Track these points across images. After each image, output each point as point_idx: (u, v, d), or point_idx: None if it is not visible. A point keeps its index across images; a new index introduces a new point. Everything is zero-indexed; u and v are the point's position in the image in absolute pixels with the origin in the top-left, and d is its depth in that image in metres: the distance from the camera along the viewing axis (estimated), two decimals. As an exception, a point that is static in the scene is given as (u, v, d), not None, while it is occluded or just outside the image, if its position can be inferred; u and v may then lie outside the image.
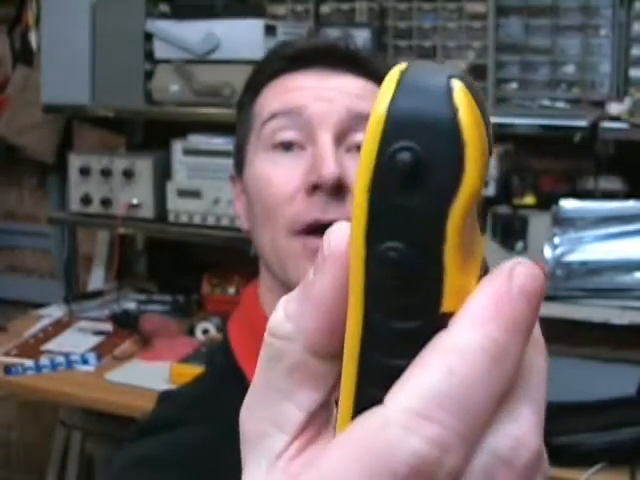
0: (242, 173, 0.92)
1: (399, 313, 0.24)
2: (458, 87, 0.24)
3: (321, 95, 0.87)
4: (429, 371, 0.23)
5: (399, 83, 0.24)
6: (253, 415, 0.27)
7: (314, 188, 0.83)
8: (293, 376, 0.27)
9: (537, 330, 0.26)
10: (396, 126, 0.23)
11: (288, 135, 0.86)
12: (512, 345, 0.23)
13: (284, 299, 0.28)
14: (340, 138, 0.85)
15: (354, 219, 0.25)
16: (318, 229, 0.83)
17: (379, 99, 0.24)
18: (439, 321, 0.24)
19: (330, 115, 0.85)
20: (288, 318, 0.27)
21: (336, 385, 0.27)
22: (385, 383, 0.24)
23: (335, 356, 0.27)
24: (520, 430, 0.23)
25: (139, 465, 0.80)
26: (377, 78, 0.90)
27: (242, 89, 0.96)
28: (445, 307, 0.24)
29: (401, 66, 0.25)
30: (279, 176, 0.85)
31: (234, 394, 0.85)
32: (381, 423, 0.22)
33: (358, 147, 0.86)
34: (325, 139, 0.84)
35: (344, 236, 0.26)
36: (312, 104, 0.86)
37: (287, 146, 0.86)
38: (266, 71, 0.92)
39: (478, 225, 0.26)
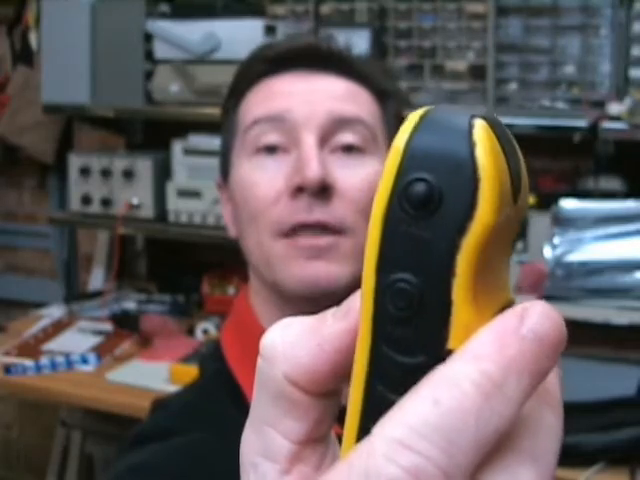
0: (228, 179, 0.92)
1: (405, 347, 0.24)
2: (479, 125, 0.24)
3: (304, 99, 0.86)
4: (416, 401, 0.22)
5: (422, 119, 0.24)
6: (247, 442, 0.27)
7: (298, 190, 0.82)
8: (278, 404, 0.26)
9: (554, 385, 0.25)
10: (413, 158, 0.24)
11: (271, 139, 0.86)
12: (511, 386, 0.22)
13: (284, 321, 0.27)
14: (324, 140, 0.85)
15: (367, 248, 0.25)
16: (303, 227, 0.83)
17: (400, 132, 0.25)
18: (444, 358, 0.23)
19: (313, 118, 0.85)
20: (282, 342, 0.26)
21: (325, 419, 0.26)
22: None
23: (323, 395, 0.26)
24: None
25: (134, 474, 0.80)
26: (360, 78, 0.89)
27: (226, 94, 0.96)
28: (451, 344, 0.24)
29: (429, 107, 0.25)
30: (263, 180, 0.85)
31: (226, 401, 0.86)
32: (366, 452, 0.22)
33: (342, 148, 0.86)
34: (309, 141, 0.84)
35: None
36: (295, 108, 0.85)
37: (271, 150, 0.86)
38: (248, 75, 0.91)
39: (506, 265, 0.25)
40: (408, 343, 0.24)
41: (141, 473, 0.80)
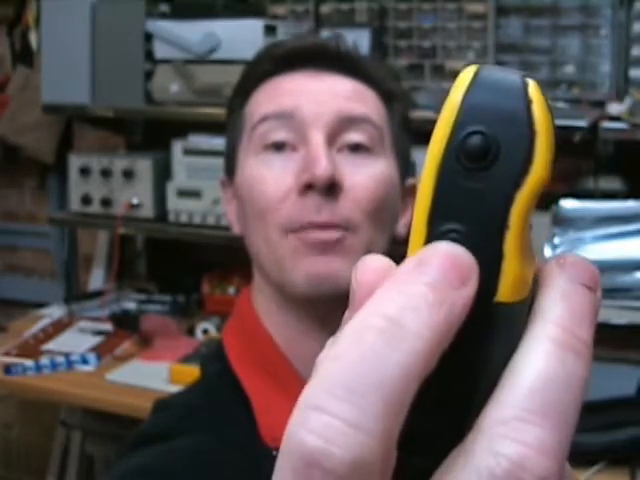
0: (233, 177, 0.91)
1: None
2: (532, 84, 0.25)
3: (312, 97, 0.86)
4: (324, 362, 0.22)
5: (475, 76, 0.25)
6: None
7: (307, 188, 0.82)
8: None
9: (582, 329, 0.24)
10: (469, 112, 0.24)
11: (280, 136, 0.86)
12: (410, 320, 0.22)
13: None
14: (331, 139, 0.85)
15: (418, 199, 0.25)
16: (312, 227, 0.83)
17: (454, 89, 0.25)
18: (492, 309, 0.24)
19: (321, 116, 0.85)
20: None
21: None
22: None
23: None
24: (520, 449, 0.22)
25: (134, 476, 0.80)
26: (367, 79, 0.89)
27: (232, 92, 0.96)
28: (500, 296, 0.24)
29: (475, 65, 0.25)
30: (271, 177, 0.85)
31: (229, 403, 0.86)
32: (290, 422, 0.22)
33: (350, 147, 0.86)
34: (317, 139, 0.84)
35: (372, 266, 0.25)
36: (303, 106, 0.85)
37: (279, 147, 0.86)
38: (256, 74, 0.91)
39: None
40: None
41: (142, 475, 0.80)
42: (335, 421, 0.21)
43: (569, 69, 1.95)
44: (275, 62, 0.90)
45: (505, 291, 0.24)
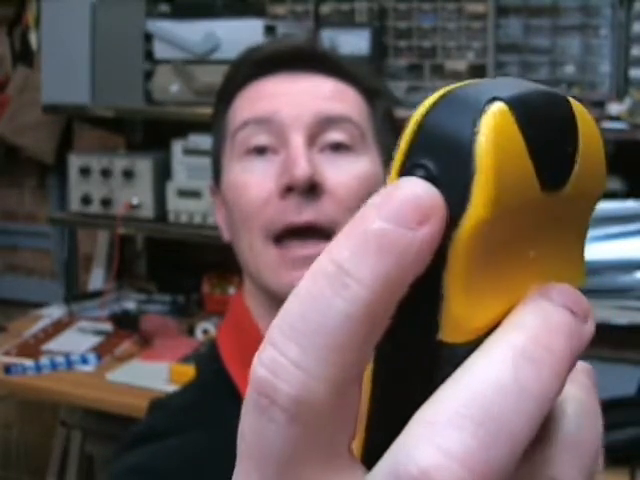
0: (220, 183, 0.92)
1: (398, 338, 0.23)
2: (493, 108, 0.22)
3: (291, 99, 0.87)
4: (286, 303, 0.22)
5: (445, 96, 0.23)
6: None
7: (287, 190, 0.82)
8: None
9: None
10: (421, 140, 0.22)
11: (260, 140, 0.86)
12: (356, 266, 0.21)
13: None
14: (312, 139, 0.85)
15: None
16: (293, 232, 0.83)
17: (421, 105, 0.23)
18: (434, 346, 0.22)
19: (300, 118, 0.85)
20: None
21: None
22: None
23: None
24: (433, 456, 0.20)
25: (130, 474, 0.80)
26: (347, 77, 0.90)
27: (215, 98, 0.96)
28: (442, 335, 0.22)
29: (470, 82, 0.24)
30: (253, 181, 0.85)
31: (223, 401, 0.86)
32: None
33: (331, 146, 0.86)
34: (297, 141, 0.84)
35: None
36: (282, 109, 0.86)
37: (260, 151, 0.86)
38: (235, 79, 0.92)
39: (522, 258, 0.23)
40: (396, 336, 0.23)
41: (138, 474, 0.80)
42: (282, 358, 0.21)
43: (569, 69, 1.95)
44: (254, 66, 0.90)
45: (447, 331, 0.22)
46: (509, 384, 0.21)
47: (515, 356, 0.21)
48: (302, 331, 0.21)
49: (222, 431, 0.83)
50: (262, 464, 0.22)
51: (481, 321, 0.22)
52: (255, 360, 0.22)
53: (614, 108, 1.84)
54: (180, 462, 0.81)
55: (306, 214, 0.82)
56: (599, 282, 1.80)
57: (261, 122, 0.86)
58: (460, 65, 2.01)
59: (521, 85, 0.23)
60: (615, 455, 1.55)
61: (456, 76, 2.01)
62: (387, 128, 0.92)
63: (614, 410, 1.61)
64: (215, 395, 0.87)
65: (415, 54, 2.06)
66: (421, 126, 0.23)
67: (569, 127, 0.24)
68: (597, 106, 1.89)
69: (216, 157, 0.93)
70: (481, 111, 0.22)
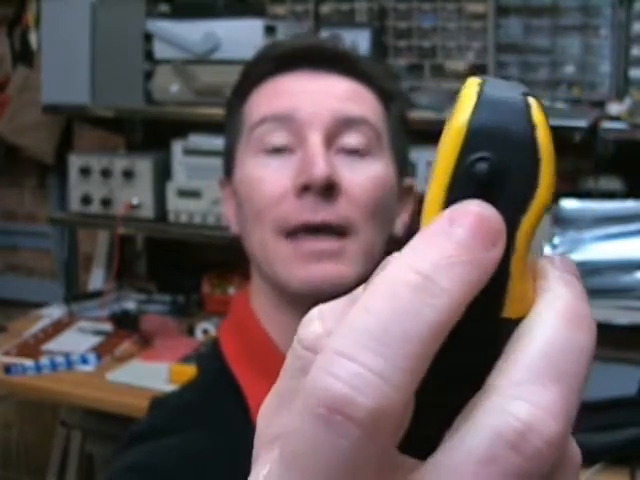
0: (232, 176, 0.92)
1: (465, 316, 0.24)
2: (535, 105, 0.25)
3: (310, 98, 0.87)
4: (353, 313, 0.23)
5: (479, 95, 0.25)
6: (272, 418, 0.27)
7: (304, 189, 0.82)
8: None
9: (583, 308, 0.25)
10: (475, 137, 0.24)
11: (278, 138, 0.86)
12: (442, 277, 0.22)
13: (318, 308, 0.26)
14: (329, 140, 0.85)
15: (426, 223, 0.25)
16: (308, 230, 0.83)
17: (460, 108, 0.25)
18: (498, 324, 0.25)
19: (319, 118, 0.85)
20: (319, 311, 0.26)
21: None
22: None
23: None
24: (530, 410, 0.22)
25: (129, 472, 0.80)
26: (365, 79, 0.90)
27: (230, 92, 0.96)
28: (506, 313, 0.25)
29: (477, 80, 0.26)
30: (269, 178, 0.85)
31: (225, 400, 0.86)
32: (315, 366, 0.22)
33: (347, 150, 0.86)
34: (315, 140, 0.84)
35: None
36: (301, 107, 0.86)
37: (277, 149, 0.86)
38: (254, 74, 0.91)
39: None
40: (467, 314, 0.24)
41: (136, 472, 0.80)
42: (363, 370, 0.21)
43: (569, 69, 1.95)
44: (273, 62, 0.90)
45: (511, 308, 0.25)
46: (569, 345, 0.24)
47: (566, 322, 0.24)
48: (388, 343, 0.22)
49: (223, 430, 0.83)
50: (319, 477, 0.22)
51: (532, 293, 0.25)
52: (323, 376, 0.22)
53: (614, 108, 1.84)
54: (179, 460, 0.81)
55: (322, 214, 0.82)
56: (599, 282, 1.80)
57: (279, 119, 0.86)
58: (460, 65, 2.01)
59: (517, 85, 0.26)
60: (615, 455, 1.55)
61: (456, 76, 2.01)
62: (401, 130, 0.92)
63: (614, 410, 1.61)
64: (216, 394, 0.87)
65: (415, 54, 2.06)
66: (469, 128, 0.25)
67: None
68: (597, 106, 1.89)
69: (229, 150, 0.93)
70: (527, 108, 0.25)
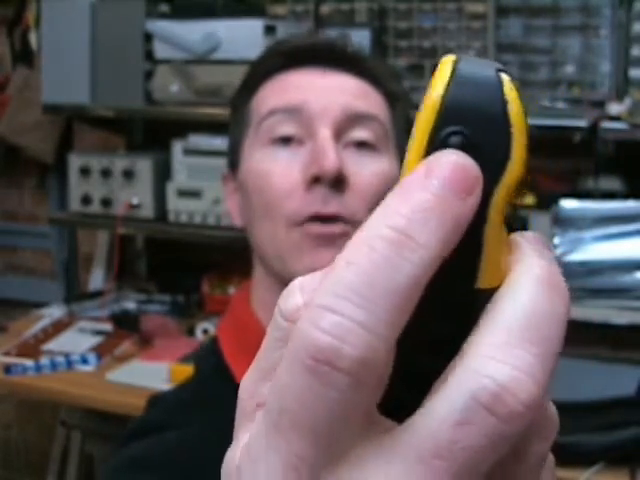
0: (237, 170, 0.92)
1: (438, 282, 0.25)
2: (507, 81, 0.26)
3: (320, 93, 0.87)
4: (334, 267, 0.23)
5: (453, 72, 0.26)
6: (254, 389, 0.27)
7: (314, 181, 0.83)
8: None
9: (556, 274, 0.25)
10: (449, 111, 0.25)
11: (287, 129, 0.86)
12: (419, 231, 0.23)
13: (299, 280, 0.27)
14: (338, 134, 0.86)
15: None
16: (318, 219, 0.83)
17: (434, 84, 0.26)
18: (473, 295, 0.25)
19: (329, 111, 0.86)
20: (300, 281, 0.26)
21: None
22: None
23: None
24: (511, 373, 0.22)
25: (127, 467, 0.81)
26: (372, 79, 0.90)
27: (237, 88, 0.96)
28: (480, 284, 0.25)
29: (452, 57, 0.26)
30: (278, 170, 0.85)
31: (222, 395, 0.86)
32: (300, 321, 0.23)
33: (356, 144, 0.87)
34: (325, 133, 0.84)
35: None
36: (311, 101, 0.86)
37: (286, 141, 0.86)
38: (263, 69, 0.92)
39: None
40: (439, 283, 0.24)
41: (137, 466, 0.81)
42: (347, 322, 0.22)
43: (569, 69, 1.95)
44: (282, 58, 0.90)
45: (485, 278, 0.25)
46: (547, 309, 0.24)
47: (544, 287, 0.24)
48: (370, 296, 0.22)
49: (221, 425, 0.83)
50: (312, 432, 0.23)
51: (505, 266, 0.26)
52: (309, 328, 0.22)
53: (614, 108, 1.84)
54: (177, 455, 0.81)
55: (333, 205, 0.83)
56: (599, 282, 1.80)
57: (289, 111, 0.86)
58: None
59: (492, 63, 0.27)
60: (615, 455, 1.55)
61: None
62: (405, 131, 0.93)
63: (614, 410, 1.61)
64: (214, 390, 0.88)
65: (415, 54, 2.06)
66: (443, 102, 0.25)
67: None
68: (597, 106, 1.89)
69: (235, 145, 0.93)
70: (500, 83, 0.25)
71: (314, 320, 0.22)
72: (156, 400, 0.94)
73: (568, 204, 1.86)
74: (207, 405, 0.87)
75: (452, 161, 0.24)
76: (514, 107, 0.25)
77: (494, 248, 0.25)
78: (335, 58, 0.90)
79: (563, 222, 1.85)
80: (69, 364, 1.99)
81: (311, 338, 0.22)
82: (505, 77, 0.26)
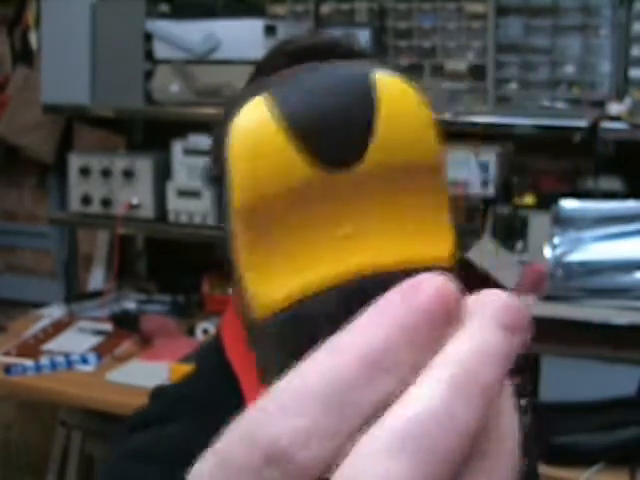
0: None
1: None
2: (252, 103, 0.24)
3: None
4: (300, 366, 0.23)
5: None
6: None
7: None
8: None
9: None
10: None
11: None
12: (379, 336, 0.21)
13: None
14: None
15: None
16: None
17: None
18: (252, 325, 0.25)
19: None
20: None
21: None
22: None
23: None
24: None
25: (128, 459, 0.81)
26: None
27: (243, 87, 0.96)
28: (253, 314, 0.24)
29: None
30: None
31: (224, 392, 0.86)
32: (258, 407, 0.23)
33: None
34: None
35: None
36: None
37: None
38: (268, 68, 0.92)
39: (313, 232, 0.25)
40: None
41: (138, 458, 0.81)
42: (304, 426, 0.22)
43: (569, 69, 1.95)
44: (287, 58, 0.90)
45: (253, 308, 0.25)
46: (440, 415, 0.21)
47: (450, 390, 0.21)
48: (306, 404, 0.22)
49: (218, 417, 0.83)
50: None
51: (280, 294, 0.24)
52: (269, 426, 0.23)
53: (614, 108, 1.84)
54: (175, 448, 0.81)
55: None
56: (599, 282, 1.80)
57: None
58: (460, 65, 2.01)
59: (308, 77, 0.25)
60: (615, 455, 1.55)
61: (456, 76, 2.01)
62: None
63: (614, 410, 1.61)
64: (216, 385, 0.88)
65: (415, 54, 2.06)
66: None
67: (361, 108, 0.24)
68: (597, 106, 1.89)
69: None
70: (235, 112, 0.24)
71: (275, 417, 0.23)
72: (156, 394, 0.94)
73: (568, 204, 1.86)
74: (207, 399, 0.87)
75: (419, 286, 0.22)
76: (235, 136, 0.24)
77: (251, 276, 0.25)
78: (340, 57, 0.90)
79: (563, 222, 1.85)
80: (69, 364, 1.99)
81: (270, 434, 0.23)
82: (257, 99, 0.24)
